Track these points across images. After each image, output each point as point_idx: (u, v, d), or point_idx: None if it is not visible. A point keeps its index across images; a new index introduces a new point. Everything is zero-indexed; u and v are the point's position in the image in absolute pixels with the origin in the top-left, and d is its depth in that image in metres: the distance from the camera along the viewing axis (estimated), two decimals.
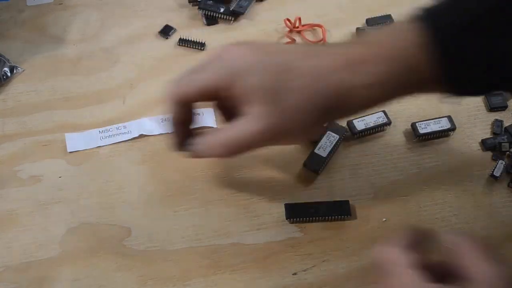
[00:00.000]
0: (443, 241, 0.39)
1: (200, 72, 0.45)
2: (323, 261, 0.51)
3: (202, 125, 0.60)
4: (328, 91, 0.42)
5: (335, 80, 0.42)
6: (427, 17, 0.42)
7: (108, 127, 0.60)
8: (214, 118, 0.61)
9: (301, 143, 0.53)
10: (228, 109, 0.47)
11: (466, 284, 0.36)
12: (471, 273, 0.36)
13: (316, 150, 0.57)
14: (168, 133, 0.59)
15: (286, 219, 0.53)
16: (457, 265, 0.37)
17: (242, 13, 0.69)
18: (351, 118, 0.59)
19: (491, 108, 0.60)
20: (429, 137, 0.58)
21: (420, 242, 0.40)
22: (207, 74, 0.44)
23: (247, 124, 0.43)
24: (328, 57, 0.43)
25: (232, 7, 0.69)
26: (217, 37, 0.68)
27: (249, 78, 0.43)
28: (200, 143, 0.47)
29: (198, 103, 0.61)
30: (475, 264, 0.36)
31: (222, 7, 0.69)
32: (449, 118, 0.59)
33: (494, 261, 0.36)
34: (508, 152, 0.57)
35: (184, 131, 0.49)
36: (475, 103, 0.61)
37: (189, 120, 0.49)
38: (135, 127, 0.60)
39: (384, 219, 0.53)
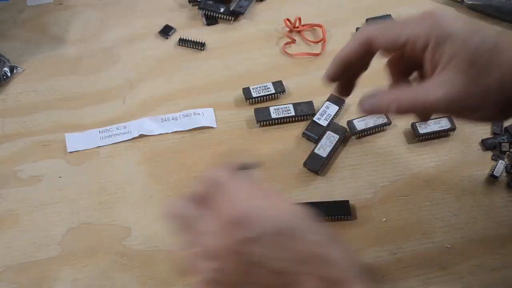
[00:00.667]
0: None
1: (402, 27, 0.43)
2: None
3: (202, 125, 0.60)
4: None
5: None
6: None
7: (108, 127, 0.60)
8: (214, 118, 0.61)
9: (484, 121, 0.49)
10: (403, 68, 0.46)
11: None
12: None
13: (316, 150, 0.57)
14: (168, 133, 0.60)
15: None
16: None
17: (242, 13, 0.69)
18: (351, 118, 0.59)
19: None
20: (429, 137, 0.58)
21: None
22: (411, 29, 0.42)
23: (433, 87, 0.41)
24: None
25: (232, 7, 0.69)
26: (217, 37, 0.68)
27: (452, 43, 0.41)
28: (374, 94, 0.45)
29: (200, 103, 0.62)
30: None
31: (222, 7, 0.69)
32: (449, 118, 0.59)
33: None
34: (508, 152, 0.57)
35: (343, 69, 0.47)
36: None
37: (355, 66, 0.47)
38: (135, 127, 0.60)
39: (384, 219, 0.53)
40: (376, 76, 0.65)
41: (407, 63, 0.45)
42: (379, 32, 0.44)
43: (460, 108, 0.42)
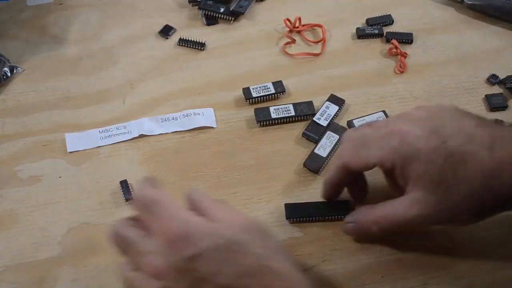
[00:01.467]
0: None
1: (370, 148, 0.46)
2: (323, 261, 0.51)
3: (202, 125, 0.60)
4: (500, 188, 0.42)
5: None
6: None
7: (108, 127, 0.60)
8: (214, 118, 0.61)
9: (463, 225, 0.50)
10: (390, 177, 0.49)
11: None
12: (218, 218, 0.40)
13: (316, 150, 0.57)
14: (168, 133, 0.60)
15: (286, 219, 0.53)
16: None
17: (242, 13, 0.69)
18: (351, 118, 0.59)
19: (491, 108, 0.60)
20: None
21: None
22: (378, 152, 0.45)
23: (406, 207, 0.44)
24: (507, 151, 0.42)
25: (232, 7, 0.69)
26: (217, 37, 0.68)
27: (417, 164, 0.43)
28: (354, 220, 0.49)
29: (200, 103, 0.62)
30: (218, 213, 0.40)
31: (222, 7, 0.69)
32: None
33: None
34: None
35: (336, 190, 0.51)
36: (476, 103, 0.61)
37: (344, 184, 0.51)
38: (135, 127, 0.60)
39: None
40: (375, 76, 0.65)
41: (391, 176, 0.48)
42: (351, 157, 0.47)
43: (436, 222, 0.46)
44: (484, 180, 0.42)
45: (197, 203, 0.42)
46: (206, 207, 0.41)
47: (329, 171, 0.50)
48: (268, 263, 0.38)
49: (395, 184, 0.47)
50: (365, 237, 0.50)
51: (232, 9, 0.69)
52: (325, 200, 0.53)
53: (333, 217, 0.52)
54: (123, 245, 0.41)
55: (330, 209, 0.53)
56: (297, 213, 0.52)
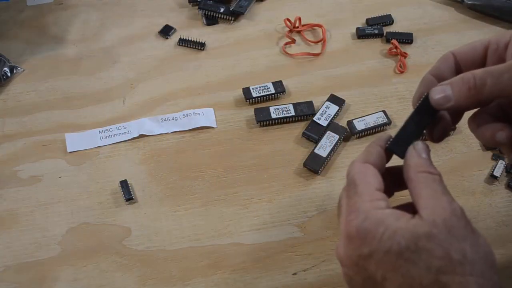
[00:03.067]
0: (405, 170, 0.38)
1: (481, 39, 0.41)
2: (323, 261, 0.51)
3: (202, 125, 0.60)
4: None
5: None
6: None
7: (108, 127, 0.60)
8: (214, 118, 0.61)
9: None
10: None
11: (416, 218, 0.35)
12: (421, 208, 0.35)
13: (316, 150, 0.57)
14: (168, 133, 0.60)
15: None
16: (413, 196, 0.37)
17: (242, 13, 0.69)
18: (351, 118, 0.59)
19: None
20: None
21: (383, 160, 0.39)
22: (489, 37, 0.41)
23: None
24: None
25: (232, 7, 0.69)
26: (217, 37, 0.68)
27: None
28: (449, 81, 0.39)
29: (200, 103, 0.62)
30: (426, 198, 0.35)
31: (222, 7, 0.69)
32: None
33: (448, 199, 0.35)
34: None
35: (432, 86, 0.40)
36: None
37: (444, 79, 0.41)
38: (135, 127, 0.60)
39: None
40: (375, 76, 0.65)
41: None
42: (460, 47, 0.42)
43: None
44: None
45: (404, 172, 0.37)
46: (412, 187, 0.36)
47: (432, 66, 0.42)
48: (445, 279, 0.33)
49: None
50: (456, 98, 0.38)
51: (232, 9, 0.69)
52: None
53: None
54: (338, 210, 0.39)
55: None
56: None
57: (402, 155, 0.38)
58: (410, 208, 0.36)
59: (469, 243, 0.34)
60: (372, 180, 0.37)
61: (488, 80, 0.37)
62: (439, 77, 0.41)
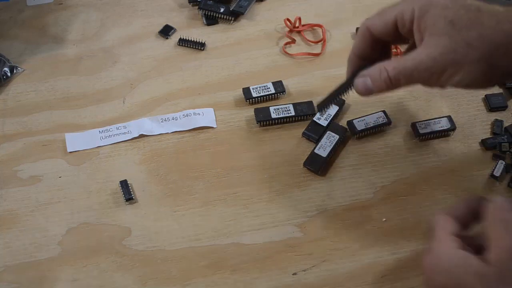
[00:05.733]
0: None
1: (390, 8, 0.47)
2: (323, 261, 0.51)
3: (202, 125, 0.60)
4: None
5: None
6: None
7: (108, 127, 0.60)
8: (214, 118, 0.61)
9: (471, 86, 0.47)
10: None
11: (488, 257, 0.38)
12: (492, 245, 0.39)
13: (316, 150, 0.57)
14: (168, 133, 0.60)
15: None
16: (486, 234, 0.40)
17: (242, 13, 0.69)
18: (351, 118, 0.59)
19: (491, 108, 0.60)
20: (429, 137, 0.58)
21: (472, 214, 0.43)
22: (398, 7, 0.46)
23: (421, 52, 0.44)
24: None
25: (232, 7, 0.69)
26: (217, 37, 0.68)
27: (434, 10, 0.43)
28: (366, 73, 0.47)
29: (200, 103, 0.62)
30: (497, 236, 0.39)
31: (222, 7, 0.69)
32: (449, 118, 0.59)
33: None
34: (508, 152, 0.57)
35: (358, 65, 0.49)
36: (475, 103, 0.61)
37: (368, 56, 0.49)
38: (135, 127, 0.60)
39: (384, 219, 0.53)
40: None
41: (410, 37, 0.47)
42: (373, 20, 0.48)
43: (443, 67, 0.43)
44: (497, 25, 0.42)
45: (484, 214, 0.41)
46: (486, 220, 0.41)
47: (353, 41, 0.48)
48: None
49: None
50: (376, 90, 0.47)
51: (232, 9, 0.69)
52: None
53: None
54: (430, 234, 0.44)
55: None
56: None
57: (319, 109, 0.52)
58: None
59: None
60: (448, 226, 0.42)
61: (402, 79, 0.45)
62: (362, 56, 0.49)
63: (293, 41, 0.67)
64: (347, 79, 0.50)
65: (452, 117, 0.59)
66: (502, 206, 0.40)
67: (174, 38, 0.68)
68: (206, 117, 0.61)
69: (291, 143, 0.59)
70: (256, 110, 0.60)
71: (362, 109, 0.61)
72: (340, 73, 0.64)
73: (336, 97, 0.51)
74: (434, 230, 0.42)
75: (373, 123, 0.59)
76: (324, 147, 0.57)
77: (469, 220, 0.43)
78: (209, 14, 0.69)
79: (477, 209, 0.42)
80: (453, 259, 0.40)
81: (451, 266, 0.39)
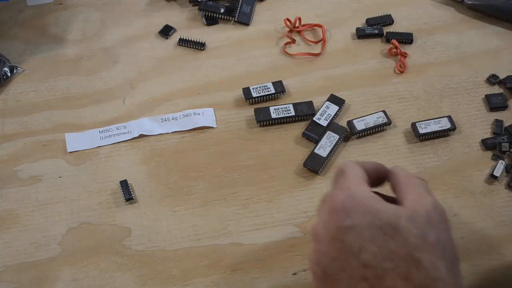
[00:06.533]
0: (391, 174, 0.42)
1: None
2: None
3: (202, 125, 0.60)
4: None
5: None
6: None
7: (108, 127, 0.60)
8: (214, 118, 0.61)
9: None
10: None
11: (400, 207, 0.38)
12: (406, 202, 0.39)
13: (316, 150, 0.57)
14: (168, 133, 0.60)
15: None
16: (400, 196, 0.40)
17: (247, 25, 0.69)
18: (351, 118, 0.59)
19: (491, 108, 0.60)
20: (429, 137, 0.58)
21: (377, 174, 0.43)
22: None
23: None
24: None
25: (236, 17, 0.69)
26: (217, 37, 0.68)
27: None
28: None
29: (200, 103, 0.62)
30: (412, 195, 0.39)
31: (222, 8, 0.69)
32: (449, 118, 0.59)
33: (433, 200, 0.39)
34: (508, 152, 0.57)
35: None
36: (475, 103, 0.61)
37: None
38: (135, 127, 0.60)
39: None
40: (375, 76, 0.65)
41: None
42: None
43: None
44: None
45: (393, 177, 0.42)
46: (399, 189, 0.41)
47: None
48: (418, 255, 0.36)
49: None
50: None
51: (237, 20, 0.69)
52: None
53: None
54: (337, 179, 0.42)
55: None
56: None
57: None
58: (393, 203, 0.40)
59: (445, 235, 0.37)
60: (359, 173, 0.41)
61: None
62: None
63: (293, 41, 0.67)
64: None
65: (452, 117, 0.59)
66: (410, 173, 0.42)
67: (174, 38, 0.68)
68: (206, 117, 0.61)
69: (291, 143, 0.59)
70: (256, 110, 0.60)
71: (362, 109, 0.61)
72: (340, 73, 0.64)
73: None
74: (346, 173, 0.41)
75: (373, 123, 0.59)
76: (324, 147, 0.57)
77: (373, 179, 0.43)
78: (209, 14, 0.69)
79: (382, 172, 0.43)
80: (373, 200, 0.39)
81: (373, 208, 0.38)
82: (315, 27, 0.69)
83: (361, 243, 0.37)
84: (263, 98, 0.62)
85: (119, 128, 0.60)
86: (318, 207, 0.41)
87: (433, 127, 0.58)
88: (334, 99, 0.61)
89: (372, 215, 0.38)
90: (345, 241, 0.37)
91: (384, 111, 0.60)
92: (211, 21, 0.70)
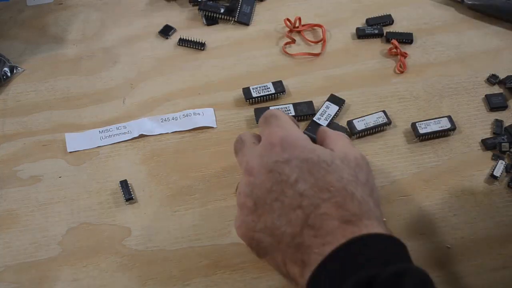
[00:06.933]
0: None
1: None
2: None
3: (202, 125, 0.60)
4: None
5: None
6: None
7: (108, 127, 0.60)
8: (214, 118, 0.61)
9: None
10: None
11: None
12: (336, 149, 0.43)
13: None
14: (168, 133, 0.60)
15: None
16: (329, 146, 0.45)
17: (247, 25, 0.69)
18: (351, 118, 0.59)
19: (491, 108, 0.60)
20: (429, 137, 0.58)
21: None
22: None
23: None
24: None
25: (237, 17, 0.69)
26: (217, 37, 0.68)
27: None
28: None
29: (200, 103, 0.62)
30: (341, 146, 0.44)
31: (222, 8, 0.69)
32: (449, 118, 0.59)
33: (358, 150, 0.44)
34: (508, 152, 0.57)
35: None
36: (475, 103, 0.61)
37: None
38: (135, 127, 0.60)
39: (384, 219, 0.53)
40: (375, 76, 0.65)
41: None
42: None
43: None
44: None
45: (321, 133, 0.47)
46: (329, 142, 0.45)
47: None
48: (351, 189, 0.39)
49: None
50: None
51: (237, 20, 0.69)
52: None
53: None
54: (237, 146, 0.47)
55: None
56: None
57: None
58: None
59: (371, 179, 0.42)
60: (291, 119, 0.46)
61: None
62: None
63: (293, 41, 0.67)
64: None
65: (452, 117, 0.59)
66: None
67: (174, 38, 0.68)
68: (206, 117, 0.61)
69: None
70: (256, 110, 0.60)
71: (362, 109, 0.61)
72: (340, 73, 0.64)
73: None
74: (279, 116, 0.45)
75: (373, 123, 0.59)
76: None
77: None
78: (209, 14, 0.69)
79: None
80: (307, 140, 0.43)
81: (309, 146, 0.42)
82: (315, 27, 0.69)
83: (299, 174, 0.39)
84: (263, 98, 0.62)
85: (119, 128, 0.60)
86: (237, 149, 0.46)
87: (433, 127, 0.58)
88: (334, 99, 0.61)
89: (308, 151, 0.41)
90: (282, 173, 0.40)
91: (384, 111, 0.60)
92: (211, 21, 0.70)
